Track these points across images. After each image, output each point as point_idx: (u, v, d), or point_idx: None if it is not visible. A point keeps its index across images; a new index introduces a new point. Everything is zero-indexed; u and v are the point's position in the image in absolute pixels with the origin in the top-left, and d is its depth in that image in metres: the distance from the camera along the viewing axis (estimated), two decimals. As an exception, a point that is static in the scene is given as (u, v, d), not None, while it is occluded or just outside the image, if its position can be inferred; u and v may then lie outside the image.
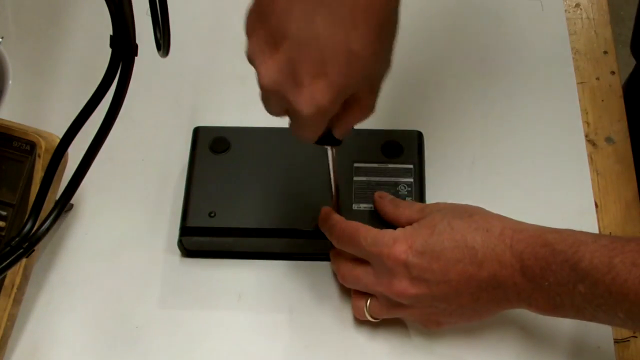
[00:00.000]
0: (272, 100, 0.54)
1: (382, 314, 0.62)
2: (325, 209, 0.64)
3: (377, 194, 0.66)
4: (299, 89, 0.51)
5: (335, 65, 0.50)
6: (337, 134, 0.57)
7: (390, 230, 0.60)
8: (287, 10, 0.49)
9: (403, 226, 0.60)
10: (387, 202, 0.65)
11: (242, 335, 0.65)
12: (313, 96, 0.50)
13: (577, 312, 0.56)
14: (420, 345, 0.64)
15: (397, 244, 0.58)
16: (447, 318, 0.60)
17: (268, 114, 0.75)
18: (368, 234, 0.60)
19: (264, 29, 0.51)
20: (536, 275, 0.55)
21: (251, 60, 0.53)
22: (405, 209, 0.63)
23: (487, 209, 0.67)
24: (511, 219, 0.59)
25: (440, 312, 0.60)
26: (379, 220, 0.65)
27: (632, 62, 0.86)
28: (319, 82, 0.50)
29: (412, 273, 0.58)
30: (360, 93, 0.53)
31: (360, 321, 0.64)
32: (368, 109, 0.56)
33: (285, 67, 0.50)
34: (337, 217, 0.63)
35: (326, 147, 0.60)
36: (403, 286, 0.58)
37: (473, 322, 0.62)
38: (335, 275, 0.66)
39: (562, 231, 0.56)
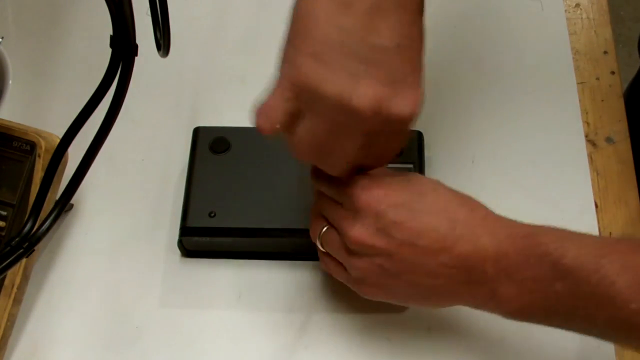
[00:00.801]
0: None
1: (330, 247, 0.58)
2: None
3: None
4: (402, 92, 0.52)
5: None
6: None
7: (373, 177, 0.56)
8: None
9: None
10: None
11: (242, 335, 0.65)
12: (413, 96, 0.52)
13: (545, 316, 0.52)
14: (421, 345, 0.64)
15: (375, 189, 0.54)
16: (392, 290, 0.56)
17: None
18: (349, 175, 0.56)
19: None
20: (511, 267, 0.51)
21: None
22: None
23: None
24: (497, 214, 0.56)
25: (389, 277, 0.55)
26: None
27: (633, 62, 0.86)
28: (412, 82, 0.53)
29: (379, 223, 0.54)
30: None
31: (360, 321, 0.64)
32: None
33: None
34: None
35: None
36: (364, 233, 0.54)
37: (413, 304, 0.58)
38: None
39: (547, 227, 0.53)
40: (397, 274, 0.55)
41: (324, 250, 0.59)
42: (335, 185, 0.57)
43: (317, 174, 0.59)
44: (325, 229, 0.58)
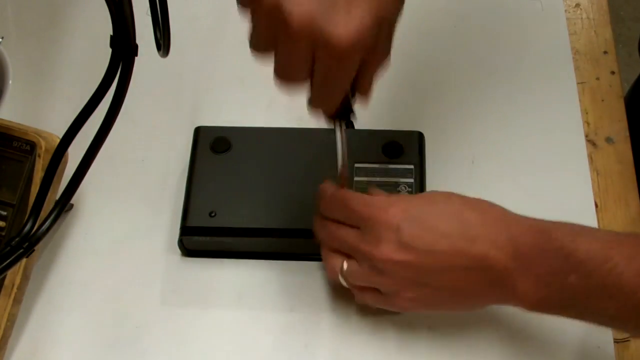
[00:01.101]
0: (302, 41, 0.49)
1: (358, 279, 0.59)
2: (324, 184, 0.62)
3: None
4: (336, 16, 0.47)
5: None
6: (362, 89, 0.55)
7: (383, 195, 0.59)
8: None
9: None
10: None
11: (242, 335, 0.65)
12: (352, 22, 0.47)
13: (562, 307, 0.54)
14: (421, 345, 0.64)
15: (391, 207, 0.57)
16: (423, 298, 0.58)
17: (268, 114, 0.76)
18: (360, 197, 0.59)
19: None
20: (527, 262, 0.53)
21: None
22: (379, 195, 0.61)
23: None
24: (511, 211, 0.57)
25: (418, 286, 0.57)
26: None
27: (633, 62, 0.86)
28: (357, 7, 0.47)
29: (401, 238, 0.55)
30: (380, 36, 0.51)
31: (360, 321, 0.64)
32: (386, 55, 0.54)
33: None
34: (327, 184, 0.61)
35: (336, 127, 0.59)
36: (390, 250, 0.56)
37: (445, 310, 0.60)
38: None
39: (561, 222, 0.55)
40: (425, 283, 0.57)
41: (347, 285, 0.60)
42: (349, 211, 0.59)
43: (322, 217, 0.61)
44: (345, 264, 0.59)
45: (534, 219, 0.56)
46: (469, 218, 0.56)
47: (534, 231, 0.54)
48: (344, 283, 0.60)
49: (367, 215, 0.57)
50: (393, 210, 0.57)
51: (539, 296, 0.54)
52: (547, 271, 0.53)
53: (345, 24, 0.48)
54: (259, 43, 0.53)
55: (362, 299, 0.62)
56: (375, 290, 0.59)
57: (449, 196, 0.58)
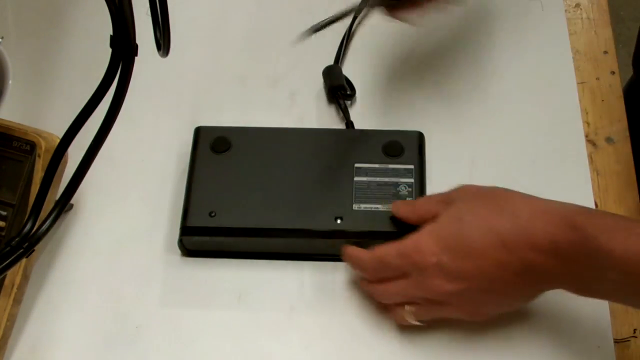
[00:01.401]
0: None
1: (424, 316, 0.62)
2: (345, 248, 0.64)
3: (393, 207, 0.65)
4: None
5: None
6: None
7: (411, 236, 0.59)
8: None
9: (427, 222, 0.60)
10: (402, 206, 0.64)
11: (242, 335, 0.65)
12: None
13: (608, 296, 0.57)
14: (421, 345, 0.64)
15: (423, 247, 0.58)
16: (490, 307, 0.60)
17: (268, 114, 0.76)
18: (393, 250, 0.60)
19: None
20: (567, 258, 0.54)
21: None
22: (424, 205, 0.63)
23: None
24: (536, 198, 0.58)
25: (481, 303, 0.59)
26: (381, 219, 0.65)
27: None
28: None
29: (447, 272, 0.57)
30: None
31: (360, 322, 0.64)
32: None
33: None
34: (356, 251, 0.63)
35: None
36: (441, 285, 0.58)
37: (517, 307, 0.62)
38: (332, 275, 0.66)
39: (593, 213, 0.56)
40: (486, 299, 0.59)
41: (418, 323, 0.62)
42: (390, 269, 0.61)
43: (369, 271, 0.63)
44: (407, 308, 0.61)
45: (564, 209, 0.56)
46: (502, 228, 0.56)
47: (569, 228, 0.54)
48: (415, 323, 0.62)
49: (406, 265, 0.59)
50: (427, 248, 0.58)
51: (584, 288, 0.56)
52: (585, 267, 0.54)
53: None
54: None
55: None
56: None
57: (474, 210, 0.58)
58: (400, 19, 0.67)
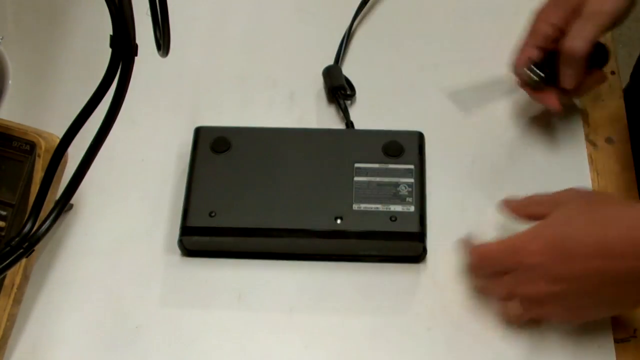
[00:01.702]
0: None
1: (525, 315, 0.62)
2: (466, 243, 0.64)
3: (504, 203, 0.65)
4: None
5: None
6: None
7: (519, 234, 0.60)
8: None
9: (535, 221, 0.61)
10: (513, 203, 0.65)
11: (242, 335, 0.65)
12: None
13: None
14: (421, 345, 0.64)
15: (530, 246, 0.59)
16: (591, 311, 0.60)
17: (268, 114, 0.76)
18: (501, 246, 0.61)
19: None
20: None
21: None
22: (534, 203, 0.63)
23: (487, 209, 0.68)
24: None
25: (583, 305, 0.60)
26: (381, 220, 0.65)
27: (633, 62, 0.85)
28: None
29: (550, 273, 0.58)
30: None
31: (360, 321, 0.64)
32: None
33: None
34: (473, 248, 0.64)
35: None
36: (543, 286, 0.58)
37: (616, 313, 0.62)
38: (335, 275, 0.66)
39: None
40: (587, 302, 0.59)
41: (522, 320, 0.63)
42: (498, 265, 0.62)
43: (477, 268, 0.65)
44: (510, 305, 0.62)
45: None
46: (608, 236, 0.56)
47: None
48: (516, 321, 0.63)
49: (512, 263, 0.60)
50: (533, 247, 0.59)
51: None
52: None
53: None
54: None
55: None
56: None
57: (582, 215, 0.58)
58: (542, 102, 0.70)
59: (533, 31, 0.69)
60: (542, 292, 0.59)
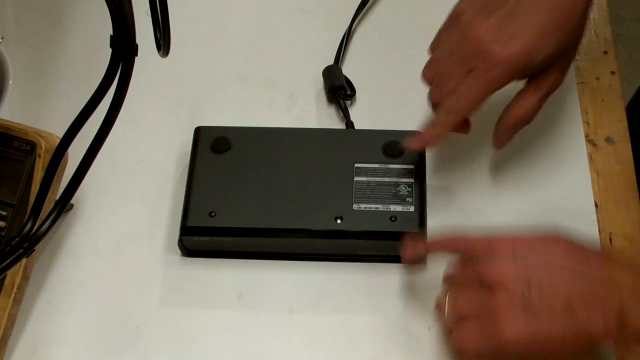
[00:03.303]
0: (469, 49, 0.63)
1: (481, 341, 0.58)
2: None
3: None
4: (500, 41, 0.62)
5: None
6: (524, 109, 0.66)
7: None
8: None
9: None
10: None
11: (242, 335, 0.65)
12: (508, 48, 0.61)
13: None
14: (421, 345, 0.64)
15: (504, 240, 0.58)
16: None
17: (268, 114, 0.76)
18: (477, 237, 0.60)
19: None
20: (636, 334, 0.55)
21: None
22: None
23: (487, 209, 0.68)
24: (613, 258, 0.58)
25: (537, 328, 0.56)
26: (381, 219, 0.65)
27: (633, 62, 0.86)
28: (517, 38, 0.61)
29: (525, 297, 0.56)
30: (533, 67, 0.63)
31: (360, 321, 0.64)
32: (547, 84, 0.65)
33: None
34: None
35: None
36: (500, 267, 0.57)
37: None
38: (333, 275, 0.66)
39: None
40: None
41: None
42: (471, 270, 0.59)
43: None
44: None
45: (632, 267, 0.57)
46: (574, 295, 0.55)
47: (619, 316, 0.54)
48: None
49: (484, 247, 0.59)
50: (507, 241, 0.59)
51: None
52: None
53: (502, 49, 0.61)
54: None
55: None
56: None
57: (566, 248, 0.57)
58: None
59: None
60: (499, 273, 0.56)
